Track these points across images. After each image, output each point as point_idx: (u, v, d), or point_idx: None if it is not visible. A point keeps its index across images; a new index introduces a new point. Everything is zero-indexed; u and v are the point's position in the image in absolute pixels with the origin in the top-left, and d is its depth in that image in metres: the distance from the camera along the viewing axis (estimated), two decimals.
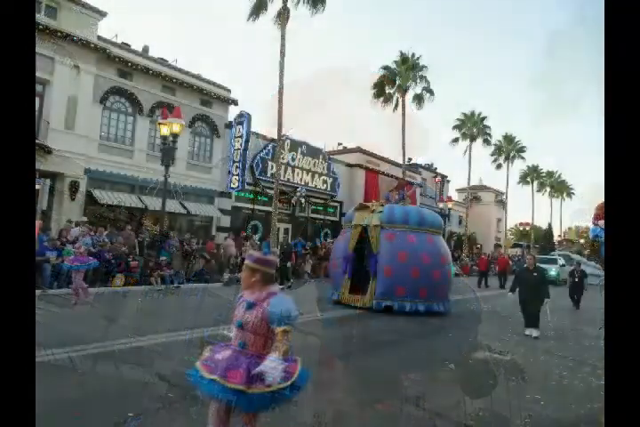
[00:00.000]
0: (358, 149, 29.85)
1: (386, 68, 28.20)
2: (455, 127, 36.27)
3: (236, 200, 21.37)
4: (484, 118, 36.25)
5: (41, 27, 14.21)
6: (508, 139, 42.25)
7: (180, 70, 18.92)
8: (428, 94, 28.73)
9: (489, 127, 36.81)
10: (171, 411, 3.95)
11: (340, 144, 32.18)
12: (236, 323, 2.69)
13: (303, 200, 24.21)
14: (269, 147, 22.13)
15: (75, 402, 4.04)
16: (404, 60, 28.18)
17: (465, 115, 36.27)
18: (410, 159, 33.98)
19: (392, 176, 30.19)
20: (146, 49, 18.91)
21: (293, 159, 23.77)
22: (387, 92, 28.40)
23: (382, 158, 31.24)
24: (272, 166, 21.55)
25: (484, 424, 4.19)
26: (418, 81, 28.42)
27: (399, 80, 28.24)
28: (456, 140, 36.26)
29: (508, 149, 42.09)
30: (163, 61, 18.58)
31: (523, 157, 42.89)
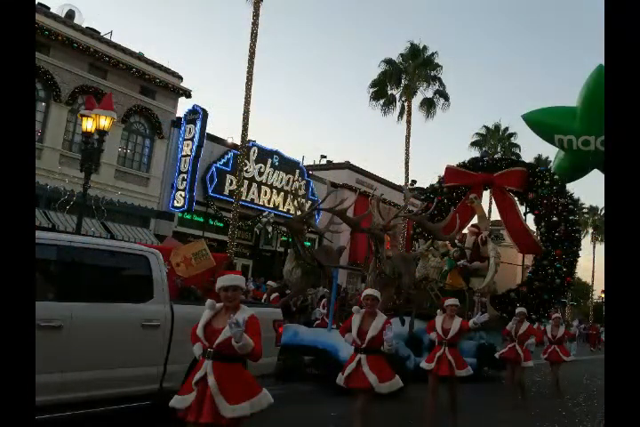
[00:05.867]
0: (347, 165, 29.82)
1: (389, 61, 28.26)
2: (474, 144, 37.06)
3: (179, 224, 21.10)
4: (511, 135, 36.99)
5: None
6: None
7: (115, 46, 18.72)
8: (442, 100, 28.79)
9: (517, 146, 37.67)
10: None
11: (323, 157, 32.26)
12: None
13: (270, 229, 23.68)
14: (229, 155, 22.07)
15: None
16: (413, 53, 28.27)
17: (487, 128, 37.16)
18: (414, 182, 33.86)
19: (391, 203, 29.92)
20: (70, 14, 18.47)
21: (261, 173, 23.67)
22: (389, 93, 28.40)
23: (376, 178, 31.26)
24: (231, 181, 21.51)
25: None
26: (430, 82, 28.49)
27: (405, 79, 28.28)
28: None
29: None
30: (93, 32, 18.24)
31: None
